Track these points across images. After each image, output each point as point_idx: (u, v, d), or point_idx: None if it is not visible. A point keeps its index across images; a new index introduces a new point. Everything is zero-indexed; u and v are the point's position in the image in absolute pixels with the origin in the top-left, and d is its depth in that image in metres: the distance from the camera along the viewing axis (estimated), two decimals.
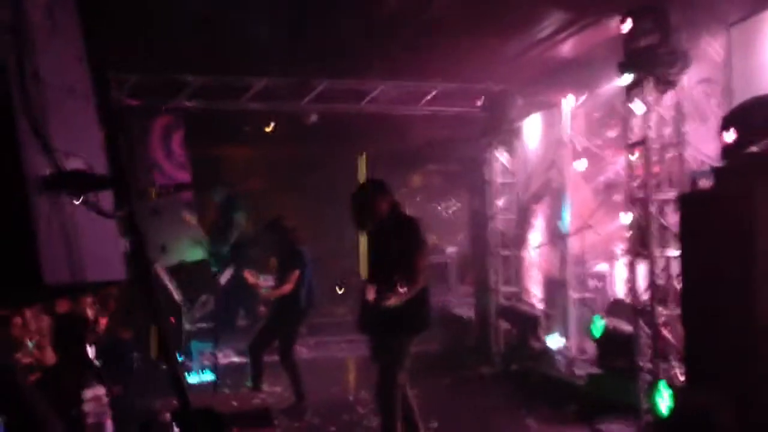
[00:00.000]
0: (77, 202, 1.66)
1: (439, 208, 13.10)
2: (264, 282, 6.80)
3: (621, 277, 7.10)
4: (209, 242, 7.64)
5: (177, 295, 7.28)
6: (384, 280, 4.18)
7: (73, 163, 1.69)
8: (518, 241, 8.18)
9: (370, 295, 4.27)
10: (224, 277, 7.22)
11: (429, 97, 8.86)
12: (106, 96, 1.60)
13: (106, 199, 1.82)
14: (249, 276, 6.50)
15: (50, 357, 3.74)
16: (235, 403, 4.48)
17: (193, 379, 6.99)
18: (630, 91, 5.31)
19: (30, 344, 3.33)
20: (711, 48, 5.59)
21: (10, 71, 1.48)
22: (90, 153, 1.81)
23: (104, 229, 1.82)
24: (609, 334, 5.88)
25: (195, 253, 7.37)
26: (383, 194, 4.44)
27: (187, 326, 7.25)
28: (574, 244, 7.61)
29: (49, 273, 1.54)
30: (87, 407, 2.33)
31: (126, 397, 4.27)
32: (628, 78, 5.24)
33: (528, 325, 7.36)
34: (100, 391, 2.28)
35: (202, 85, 8.29)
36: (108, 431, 2.21)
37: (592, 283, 7.60)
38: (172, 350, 1.73)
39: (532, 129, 8.43)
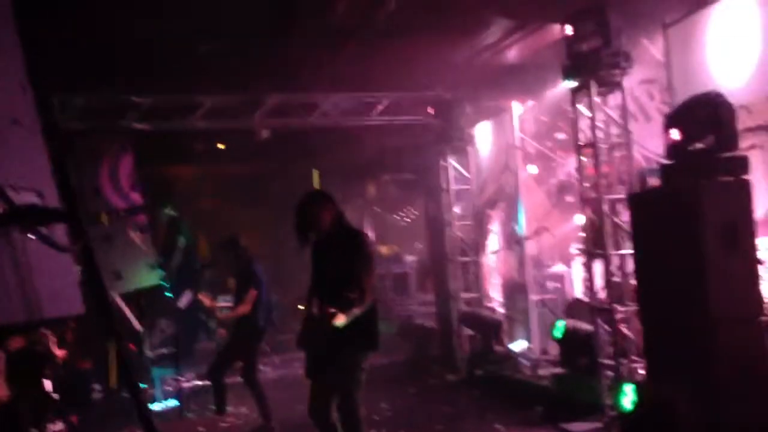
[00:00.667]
0: (30, 237, 1.62)
1: (396, 217, 13.16)
2: (221, 303, 6.71)
3: (579, 277, 7.22)
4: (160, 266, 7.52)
5: (135, 323, 7.12)
6: (331, 296, 4.04)
7: (23, 197, 1.65)
8: (476, 246, 8.24)
9: (315, 310, 4.13)
10: (182, 301, 7.09)
11: (380, 108, 8.89)
12: (52, 125, 1.57)
13: (59, 230, 1.78)
14: (205, 299, 6.41)
15: (3, 393, 3.62)
16: (201, 429, 4.40)
17: (157, 406, 6.85)
18: (575, 94, 5.42)
19: None
20: (651, 48, 5.75)
21: None
22: (40, 184, 1.77)
23: (58, 263, 1.78)
24: (570, 334, 5.96)
25: (150, 278, 7.25)
26: (326, 205, 4.27)
27: (148, 353, 7.10)
28: (531, 247, 7.72)
29: (1, 314, 1.50)
30: None
31: (86, 429, 4.16)
32: (572, 82, 5.35)
33: (490, 330, 7.42)
34: (58, 425, 2.21)
35: (150, 106, 8.16)
36: None
37: (551, 284, 7.70)
38: (133, 378, 1.70)
39: (483, 135, 8.54)
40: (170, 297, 7.22)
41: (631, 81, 5.59)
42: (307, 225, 4.26)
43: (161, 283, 7.30)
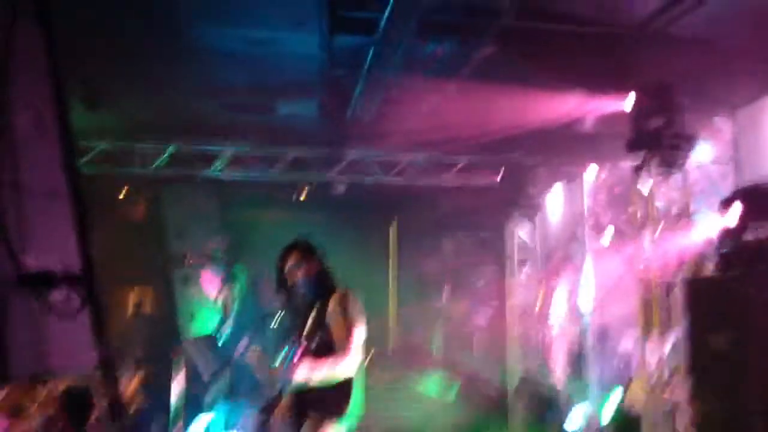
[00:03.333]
0: (41, 301, 1.79)
1: (471, 277, 13.08)
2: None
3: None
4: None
5: (204, 370, 7.35)
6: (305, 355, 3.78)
7: (45, 263, 1.82)
8: (538, 315, 8.12)
9: (277, 367, 3.89)
10: (238, 349, 7.30)
11: (456, 168, 9.02)
12: (79, 199, 1.76)
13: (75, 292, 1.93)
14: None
15: None
16: None
17: None
18: (638, 169, 5.37)
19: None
20: (723, 128, 5.65)
21: None
22: (65, 251, 1.94)
23: (71, 323, 1.94)
24: (622, 416, 5.77)
25: (213, 325, 7.48)
26: (307, 258, 3.95)
27: (208, 399, 7.31)
28: (596, 320, 7.54)
29: (16, 367, 1.65)
30: None
31: None
32: (635, 157, 5.31)
33: (547, 403, 7.25)
34: None
35: (233, 156, 8.62)
36: None
37: (615, 360, 7.46)
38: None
39: (553, 202, 8.47)
40: (227, 345, 7.42)
41: (703, 159, 5.49)
42: (284, 278, 3.98)
43: (220, 331, 7.55)
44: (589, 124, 7.23)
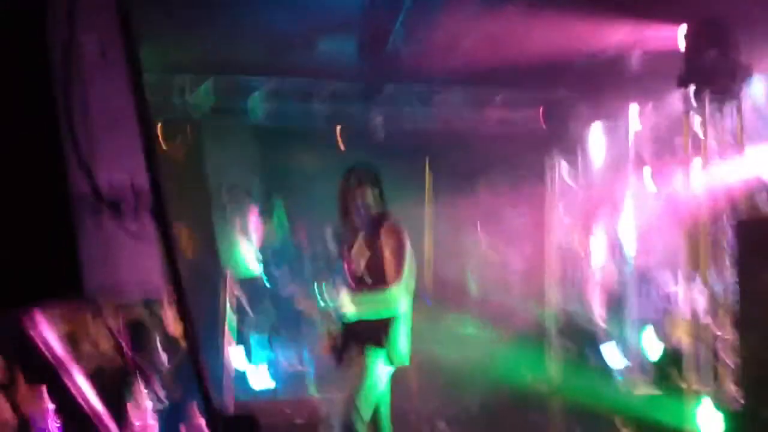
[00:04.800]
0: (115, 221, 1.80)
1: (508, 218, 12.97)
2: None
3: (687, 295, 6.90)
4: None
5: (247, 306, 7.50)
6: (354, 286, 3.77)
7: (118, 185, 1.83)
8: (579, 255, 8.07)
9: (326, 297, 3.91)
10: (283, 288, 7.37)
11: (493, 104, 8.89)
12: (148, 127, 1.76)
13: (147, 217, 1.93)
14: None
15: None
16: (287, 411, 4.57)
17: (256, 383, 7.18)
18: (688, 103, 5.21)
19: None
20: None
21: (58, 101, 1.62)
22: (134, 175, 1.95)
23: (146, 245, 1.96)
24: (668, 354, 5.76)
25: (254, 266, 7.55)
26: (369, 188, 3.97)
27: (254, 335, 7.45)
28: (637, 260, 7.46)
29: (90, 282, 1.66)
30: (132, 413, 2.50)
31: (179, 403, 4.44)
32: (687, 90, 5.15)
33: (588, 342, 7.27)
34: (146, 399, 2.44)
35: (271, 89, 8.58)
36: None
37: (657, 300, 7.42)
38: (201, 362, 1.86)
39: (595, 140, 8.30)
40: (269, 281, 7.51)
41: (756, 95, 5.32)
42: (350, 200, 3.95)
43: (264, 270, 7.64)
44: (637, 58, 7.05)
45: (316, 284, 4.20)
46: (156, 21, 6.42)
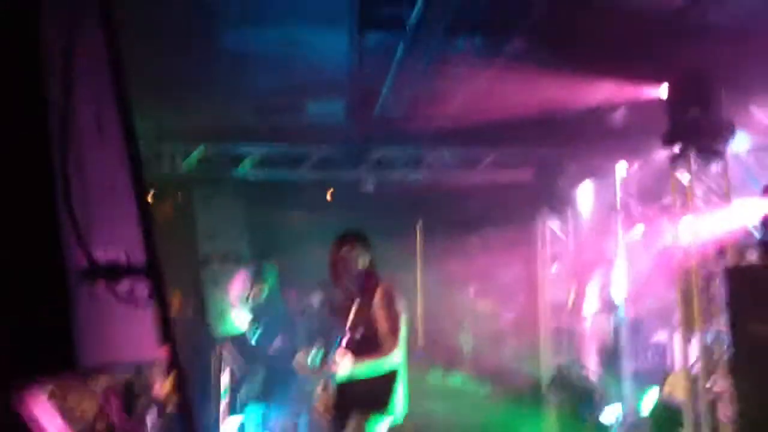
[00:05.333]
0: (110, 292, 1.81)
1: (500, 273, 12.97)
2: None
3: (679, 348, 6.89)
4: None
5: (237, 369, 7.43)
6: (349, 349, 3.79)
7: (112, 256, 1.84)
8: (571, 309, 8.07)
9: (320, 361, 3.92)
10: (272, 348, 7.33)
11: (484, 164, 8.99)
12: (144, 195, 1.78)
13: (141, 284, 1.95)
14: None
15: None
16: None
17: None
18: (675, 160, 5.31)
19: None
20: (760, 115, 5.57)
21: (55, 172, 1.64)
22: (129, 244, 1.97)
23: (137, 313, 1.97)
24: (662, 408, 5.72)
25: (243, 324, 7.52)
26: (368, 248, 3.99)
27: (242, 396, 7.36)
28: (629, 313, 7.47)
29: (84, 357, 1.66)
30: None
31: None
32: (672, 148, 5.25)
33: (581, 396, 7.20)
34: None
35: (261, 156, 8.68)
36: None
37: (649, 353, 7.40)
38: (193, 426, 1.86)
39: (584, 195, 8.41)
40: (258, 345, 7.45)
41: (741, 148, 5.43)
42: (338, 267, 3.96)
43: (252, 332, 7.59)
44: (621, 115, 7.19)
45: (311, 347, 4.19)
46: (146, 90, 6.53)
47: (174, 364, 1.92)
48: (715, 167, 5.18)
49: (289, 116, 8.11)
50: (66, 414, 3.90)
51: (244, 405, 7.57)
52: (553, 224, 8.23)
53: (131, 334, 1.90)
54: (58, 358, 1.64)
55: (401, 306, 3.99)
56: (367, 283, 4.01)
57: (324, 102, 8.07)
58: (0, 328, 1.60)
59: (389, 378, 3.91)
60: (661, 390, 6.11)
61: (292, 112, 8.07)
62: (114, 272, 1.84)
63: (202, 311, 9.04)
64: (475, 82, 6.87)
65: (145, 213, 2.00)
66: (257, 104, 7.67)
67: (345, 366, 3.77)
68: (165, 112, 7.56)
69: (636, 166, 7.70)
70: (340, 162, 9.10)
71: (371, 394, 3.85)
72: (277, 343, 7.44)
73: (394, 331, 3.86)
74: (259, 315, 8.34)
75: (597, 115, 7.38)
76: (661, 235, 7.59)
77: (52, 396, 3.35)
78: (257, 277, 8.90)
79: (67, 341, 1.63)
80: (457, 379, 8.35)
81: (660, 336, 7.39)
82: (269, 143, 8.70)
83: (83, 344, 1.67)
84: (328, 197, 10.64)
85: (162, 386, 5.73)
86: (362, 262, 4.01)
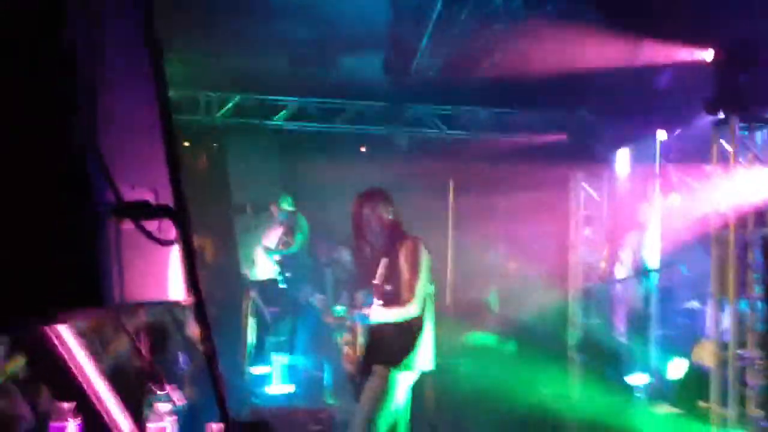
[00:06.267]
0: (137, 229, 1.82)
1: (529, 234, 12.89)
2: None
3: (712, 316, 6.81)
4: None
5: (266, 312, 7.57)
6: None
7: (140, 194, 1.86)
8: (602, 272, 8.01)
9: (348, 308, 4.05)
10: (301, 296, 7.43)
11: (519, 124, 8.89)
12: (171, 136, 1.79)
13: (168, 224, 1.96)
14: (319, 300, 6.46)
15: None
16: (303, 418, 4.60)
17: (273, 389, 7.24)
18: (718, 127, 5.17)
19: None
20: None
21: (83, 110, 1.65)
22: (157, 185, 1.98)
23: (168, 252, 1.99)
24: (691, 374, 5.68)
25: (274, 271, 7.61)
26: (387, 206, 4.04)
27: (270, 339, 7.51)
28: (663, 279, 7.39)
29: (113, 294, 1.69)
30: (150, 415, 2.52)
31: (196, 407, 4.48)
32: (716, 115, 5.10)
33: (608, 359, 7.19)
34: (163, 402, 2.46)
35: (295, 108, 8.68)
36: None
37: (680, 320, 7.33)
38: (216, 367, 1.88)
39: (622, 159, 8.26)
40: (286, 290, 7.55)
41: None
42: (359, 225, 4.04)
43: (280, 276, 7.68)
44: (664, 79, 6.99)
45: (338, 295, 4.30)
46: (184, 39, 6.54)
47: (199, 307, 1.94)
48: (759, 135, 5.03)
49: (324, 69, 8.07)
50: (95, 351, 4.01)
51: (270, 352, 7.73)
52: (588, 186, 8.11)
53: (159, 274, 1.92)
54: (86, 294, 1.66)
55: (425, 260, 4.02)
56: (393, 238, 4.04)
57: (360, 56, 8.01)
58: (29, 265, 1.62)
59: (412, 331, 3.96)
60: (689, 356, 6.06)
61: (328, 66, 8.03)
62: (142, 211, 1.85)
63: (233, 258, 9.18)
64: (514, 40, 6.74)
65: (173, 154, 2.00)
66: (293, 55, 7.63)
67: (373, 317, 3.80)
68: (202, 60, 7.57)
69: (677, 131, 7.51)
70: (375, 117, 9.07)
71: (395, 347, 3.92)
72: (306, 293, 7.53)
73: (413, 283, 3.90)
74: (288, 264, 8.43)
75: (638, 78, 7.21)
76: (698, 202, 7.44)
77: (81, 333, 3.44)
78: (289, 227, 8.97)
79: (96, 278, 1.65)
80: (483, 338, 8.37)
81: (692, 303, 7.31)
82: (304, 96, 8.68)
83: (112, 281, 1.68)
84: (362, 150, 10.64)
85: (194, 328, 5.87)
86: (386, 218, 4.04)
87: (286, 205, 8.86)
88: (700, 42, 5.85)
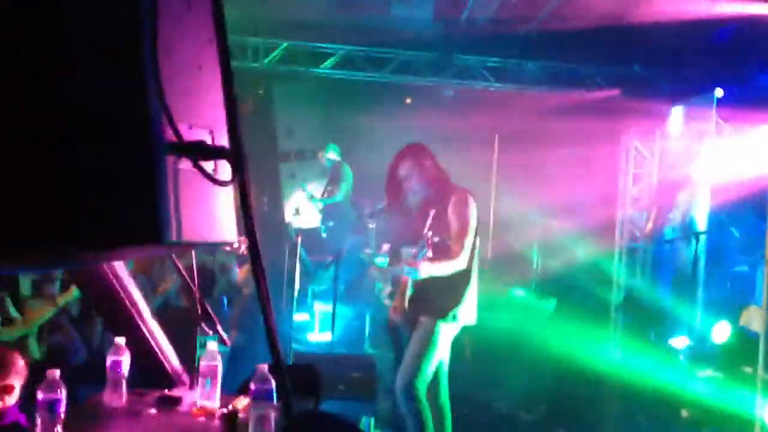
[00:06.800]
0: (195, 168, 1.82)
1: (572, 190, 12.69)
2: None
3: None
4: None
5: (308, 260, 7.64)
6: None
7: (197, 134, 1.86)
8: (649, 232, 7.86)
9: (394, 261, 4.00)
10: (344, 247, 7.47)
11: (570, 78, 8.68)
12: (230, 78, 1.77)
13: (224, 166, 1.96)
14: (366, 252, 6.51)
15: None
16: (343, 362, 4.66)
17: (313, 336, 7.37)
18: None
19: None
20: None
21: (144, 47, 1.64)
22: (213, 125, 1.97)
23: (222, 194, 2.00)
24: (736, 339, 5.59)
25: (316, 219, 7.64)
26: (424, 161, 3.99)
27: (313, 287, 7.60)
28: (712, 242, 7.22)
29: (168, 231, 1.70)
30: (199, 355, 2.58)
31: (240, 350, 4.58)
32: None
33: (652, 319, 7.11)
34: (212, 342, 2.51)
35: (342, 56, 8.59)
36: (217, 378, 2.44)
37: (728, 283, 7.19)
38: (270, 310, 1.89)
39: (675, 116, 8.02)
40: (328, 238, 7.60)
41: None
42: (396, 184, 4.00)
43: (323, 225, 7.72)
44: (723, 34, 6.73)
45: (379, 247, 4.28)
46: None
47: (254, 250, 1.94)
48: None
49: (373, 17, 7.96)
50: (146, 288, 4.11)
51: (311, 300, 7.83)
52: (638, 144, 7.91)
53: (214, 215, 1.93)
54: (145, 230, 1.67)
55: (473, 213, 3.98)
56: (442, 190, 4.00)
57: (410, 5, 7.87)
58: (89, 199, 1.62)
59: (459, 283, 3.94)
60: (736, 321, 5.95)
61: (377, 13, 7.91)
62: (199, 151, 1.85)
63: (278, 205, 9.26)
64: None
65: (230, 96, 1.98)
66: (341, 1, 7.53)
67: (423, 272, 3.78)
68: (250, 7, 7.51)
69: (734, 89, 7.24)
70: (422, 67, 8.93)
71: (441, 299, 3.92)
72: (348, 242, 7.57)
73: (461, 236, 3.87)
74: (331, 213, 8.48)
75: (695, 32, 6.94)
76: (753, 163, 7.21)
77: (135, 270, 3.54)
78: (334, 176, 9.00)
79: (154, 214, 1.65)
80: (523, 294, 8.35)
81: (741, 267, 7.16)
82: (351, 44, 8.58)
83: (169, 219, 1.69)
84: (407, 101, 10.53)
85: (240, 272, 5.97)
86: (433, 171, 4.00)
87: (333, 154, 8.85)
88: None
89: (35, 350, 4.09)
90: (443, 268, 3.85)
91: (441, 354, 4.00)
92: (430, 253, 3.70)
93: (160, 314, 3.35)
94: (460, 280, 3.95)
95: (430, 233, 3.73)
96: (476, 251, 4.04)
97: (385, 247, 4.40)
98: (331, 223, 8.20)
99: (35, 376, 2.38)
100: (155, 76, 1.66)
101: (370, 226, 8.08)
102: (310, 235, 7.97)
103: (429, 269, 3.80)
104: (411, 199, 4.05)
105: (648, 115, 7.73)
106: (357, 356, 6.06)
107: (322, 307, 7.73)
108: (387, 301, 4.20)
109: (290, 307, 5.60)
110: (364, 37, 8.50)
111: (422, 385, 3.90)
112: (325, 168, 8.85)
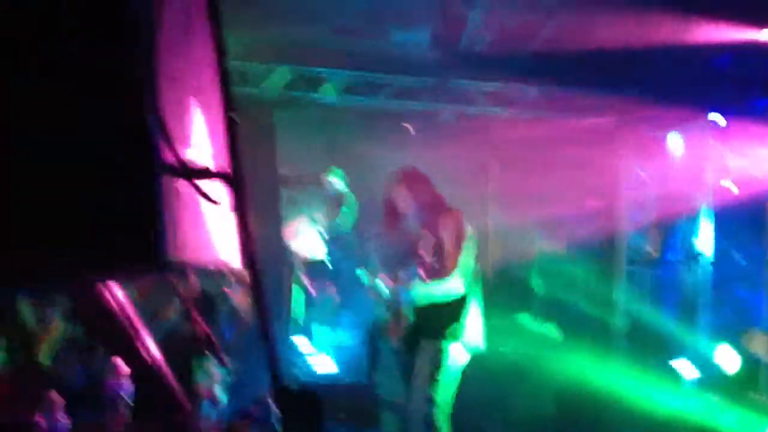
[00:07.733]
0: (194, 192, 1.82)
1: (572, 216, 12.69)
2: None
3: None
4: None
5: (310, 288, 7.61)
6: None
7: (196, 157, 1.85)
8: (651, 257, 7.84)
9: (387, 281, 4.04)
10: (345, 273, 7.45)
11: (568, 106, 8.70)
12: (230, 102, 1.78)
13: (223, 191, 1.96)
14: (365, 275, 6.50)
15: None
16: (349, 395, 4.60)
17: (313, 360, 7.28)
18: None
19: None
20: None
21: (143, 71, 1.64)
22: (214, 149, 1.98)
23: (222, 218, 1.99)
24: (745, 368, 5.55)
25: (318, 249, 7.62)
26: (419, 185, 4.08)
27: (313, 311, 7.56)
28: (714, 266, 7.20)
29: (166, 252, 1.69)
30: (200, 380, 2.56)
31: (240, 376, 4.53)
32: None
33: (656, 345, 7.07)
34: (213, 367, 2.49)
35: (341, 81, 8.64)
36: (218, 403, 2.42)
37: (731, 308, 7.15)
38: (271, 335, 1.88)
39: (674, 142, 8.04)
40: (329, 263, 7.58)
41: None
42: (392, 209, 4.06)
43: (324, 249, 7.70)
44: (721, 60, 6.77)
45: (377, 270, 4.28)
46: (231, 8, 6.51)
47: (255, 274, 1.93)
48: None
49: (372, 42, 8.01)
50: (147, 317, 4.07)
51: (312, 325, 7.78)
52: (637, 170, 7.93)
53: (213, 239, 1.92)
54: (142, 252, 1.66)
55: (465, 232, 4.00)
56: (435, 212, 4.03)
57: (409, 30, 7.92)
58: (88, 221, 1.62)
59: (457, 303, 3.93)
60: (739, 345, 5.91)
61: (376, 39, 7.96)
62: (199, 173, 1.85)
63: (278, 231, 9.23)
64: (567, 16, 6.60)
65: (230, 120, 1.99)
66: (341, 29, 7.58)
67: (419, 291, 3.77)
68: (249, 32, 7.55)
69: (731, 115, 7.27)
70: (421, 93, 8.96)
71: (441, 319, 3.90)
72: (350, 267, 7.55)
73: (454, 254, 3.87)
74: (332, 238, 8.45)
75: (694, 59, 6.98)
76: (754, 188, 7.21)
77: (132, 294, 3.50)
78: (336, 201, 9.01)
79: (152, 236, 1.65)
80: (526, 320, 8.31)
81: (744, 292, 7.12)
82: (349, 69, 8.61)
83: (167, 241, 1.68)
84: (411, 131, 10.56)
85: (241, 296, 5.93)
86: (427, 195, 4.05)
87: (336, 180, 8.86)
88: (758, 21, 5.64)
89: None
90: (438, 288, 3.84)
91: (452, 377, 3.96)
92: (422, 273, 3.70)
93: (161, 339, 3.32)
94: (459, 302, 3.93)
95: (422, 254, 3.74)
96: (476, 275, 4.03)
97: (382, 275, 4.41)
98: (332, 247, 8.18)
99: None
100: (156, 100, 1.66)
101: (370, 249, 8.06)
102: (311, 259, 7.94)
103: (423, 289, 3.78)
104: (406, 223, 4.07)
105: (647, 140, 7.76)
106: (358, 383, 6.00)
107: (322, 332, 7.68)
108: (389, 324, 4.18)
109: (291, 332, 5.56)
110: (362, 64, 8.54)
111: (442, 417, 3.86)
112: (328, 194, 8.85)
